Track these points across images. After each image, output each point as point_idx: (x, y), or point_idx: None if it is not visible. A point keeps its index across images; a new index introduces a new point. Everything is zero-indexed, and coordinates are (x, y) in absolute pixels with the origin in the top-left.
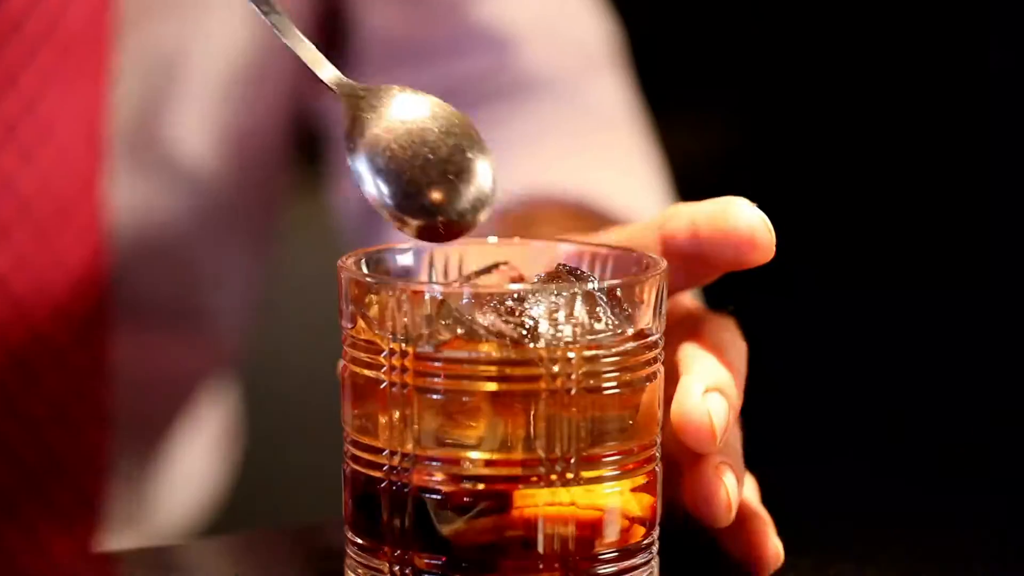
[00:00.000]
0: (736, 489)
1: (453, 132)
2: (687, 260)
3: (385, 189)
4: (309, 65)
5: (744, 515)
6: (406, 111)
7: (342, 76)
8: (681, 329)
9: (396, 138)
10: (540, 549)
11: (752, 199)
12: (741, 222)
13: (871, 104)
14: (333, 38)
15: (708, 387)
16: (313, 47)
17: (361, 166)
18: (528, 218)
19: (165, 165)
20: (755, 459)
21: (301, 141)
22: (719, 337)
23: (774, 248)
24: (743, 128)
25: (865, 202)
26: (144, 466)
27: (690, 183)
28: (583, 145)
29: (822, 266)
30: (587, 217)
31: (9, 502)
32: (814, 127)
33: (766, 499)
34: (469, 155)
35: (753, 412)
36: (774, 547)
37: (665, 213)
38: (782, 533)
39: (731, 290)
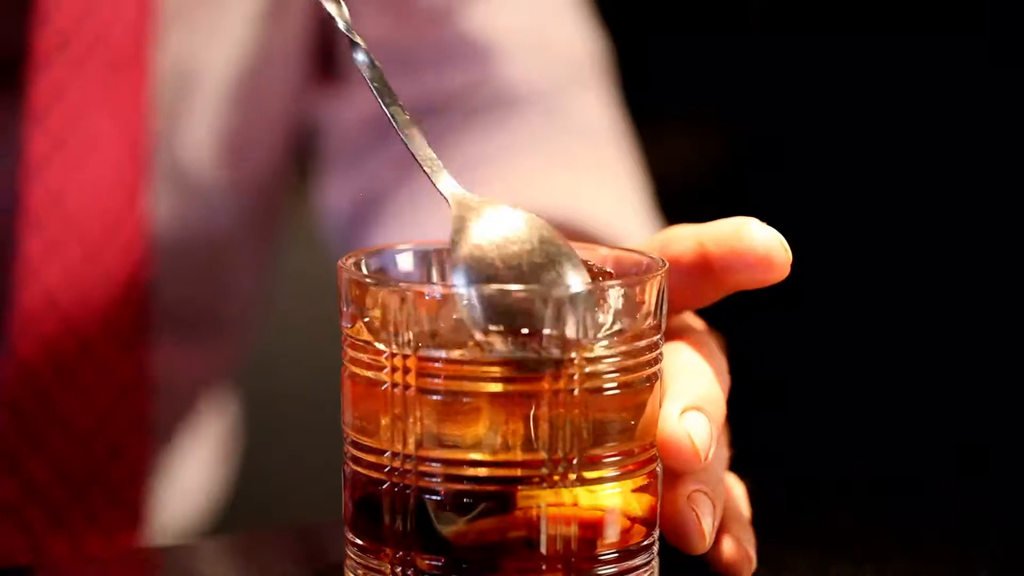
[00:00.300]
0: (711, 518)
1: (558, 260)
2: (691, 282)
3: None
4: (423, 166)
5: (724, 518)
6: (514, 229)
7: (456, 184)
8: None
9: (500, 256)
10: (542, 550)
11: (746, 204)
12: (757, 242)
13: (866, 107)
14: (329, 47)
15: (686, 407)
16: (429, 148)
17: (459, 275)
18: None
19: (188, 174)
20: (754, 460)
21: (300, 146)
22: (699, 351)
23: (790, 266)
24: (737, 135)
25: (862, 203)
26: (169, 470)
27: (685, 189)
28: (564, 163)
29: (818, 266)
30: (571, 240)
31: (56, 512)
32: (810, 132)
33: (765, 500)
34: (569, 283)
35: (752, 413)
36: (746, 552)
37: (664, 235)
38: (781, 534)
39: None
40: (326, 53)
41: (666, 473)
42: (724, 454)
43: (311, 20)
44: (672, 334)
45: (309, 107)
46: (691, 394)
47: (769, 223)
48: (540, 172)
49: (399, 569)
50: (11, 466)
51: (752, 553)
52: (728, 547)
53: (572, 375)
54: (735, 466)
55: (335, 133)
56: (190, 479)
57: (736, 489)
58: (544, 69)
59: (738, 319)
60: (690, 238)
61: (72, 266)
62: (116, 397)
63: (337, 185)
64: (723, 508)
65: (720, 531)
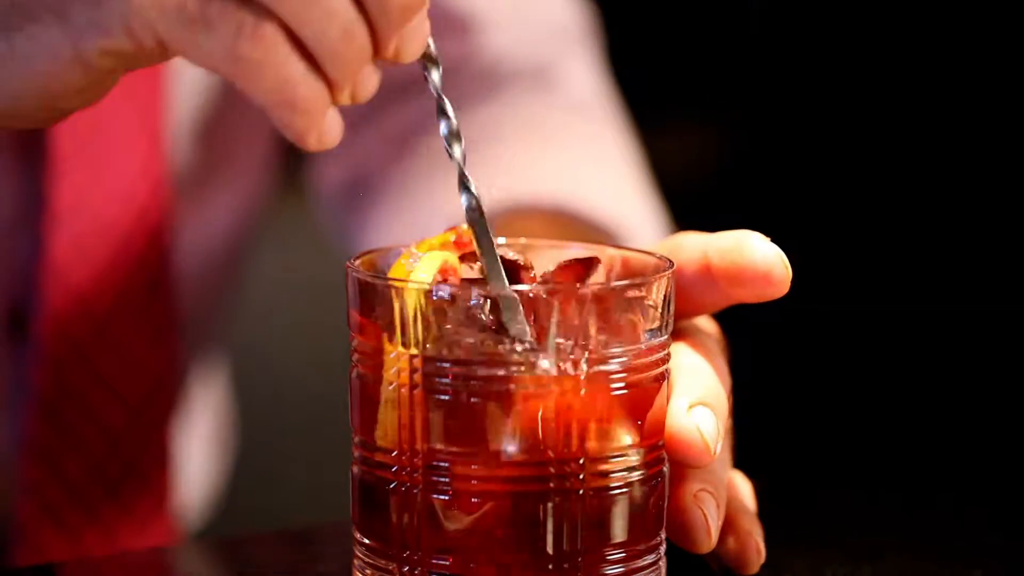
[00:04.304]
0: (716, 516)
1: None
2: (695, 291)
3: None
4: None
5: (730, 511)
6: None
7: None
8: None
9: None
10: (549, 550)
11: (745, 204)
12: (757, 257)
13: (866, 106)
14: None
15: (692, 402)
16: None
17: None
18: (509, 228)
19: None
20: (753, 460)
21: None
22: (699, 351)
23: (789, 283)
24: (737, 135)
25: (862, 202)
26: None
27: (684, 189)
28: (556, 143)
29: (819, 266)
30: (568, 224)
31: (89, 506)
32: (810, 132)
33: (765, 500)
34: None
35: (752, 414)
36: (756, 544)
37: (671, 242)
38: (779, 534)
39: None
40: None
41: (671, 473)
42: (727, 455)
43: None
44: (674, 335)
45: None
46: (696, 391)
47: (769, 222)
48: (531, 156)
49: (407, 568)
50: (49, 466)
51: (762, 546)
52: (738, 540)
53: (580, 375)
54: (735, 465)
55: None
56: (184, 477)
57: (743, 486)
58: (530, 38)
59: (739, 318)
60: (696, 248)
61: (99, 264)
62: (146, 393)
63: (329, 163)
64: (726, 506)
65: (729, 525)
